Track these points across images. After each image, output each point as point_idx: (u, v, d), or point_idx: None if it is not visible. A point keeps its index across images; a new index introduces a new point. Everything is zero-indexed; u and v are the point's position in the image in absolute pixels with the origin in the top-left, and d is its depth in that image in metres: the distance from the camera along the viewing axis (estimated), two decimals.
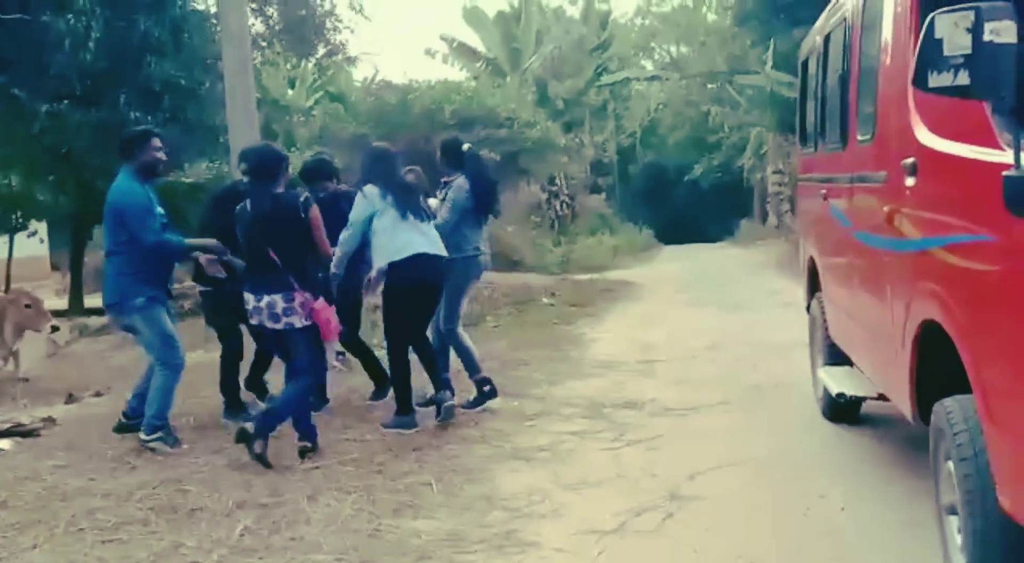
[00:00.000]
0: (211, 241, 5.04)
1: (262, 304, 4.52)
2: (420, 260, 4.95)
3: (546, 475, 4.26)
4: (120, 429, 5.11)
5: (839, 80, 4.36)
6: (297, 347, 4.63)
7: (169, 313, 5.02)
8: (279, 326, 4.55)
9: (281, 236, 4.49)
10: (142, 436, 4.84)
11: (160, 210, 4.94)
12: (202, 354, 7.59)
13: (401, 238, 4.95)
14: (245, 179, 4.91)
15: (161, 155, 4.92)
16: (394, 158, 5.31)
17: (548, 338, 8.44)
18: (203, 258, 5.03)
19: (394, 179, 5.13)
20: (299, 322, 4.52)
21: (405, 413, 5.06)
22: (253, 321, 4.66)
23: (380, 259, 5.01)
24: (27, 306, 6.99)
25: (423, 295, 5.07)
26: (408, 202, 5.05)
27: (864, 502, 3.68)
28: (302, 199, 4.58)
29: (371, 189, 5.06)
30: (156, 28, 11.53)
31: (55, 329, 7.26)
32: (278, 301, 4.49)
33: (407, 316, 5.07)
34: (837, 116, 4.40)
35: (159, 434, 4.85)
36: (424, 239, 5.01)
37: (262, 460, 4.39)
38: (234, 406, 5.48)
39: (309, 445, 4.60)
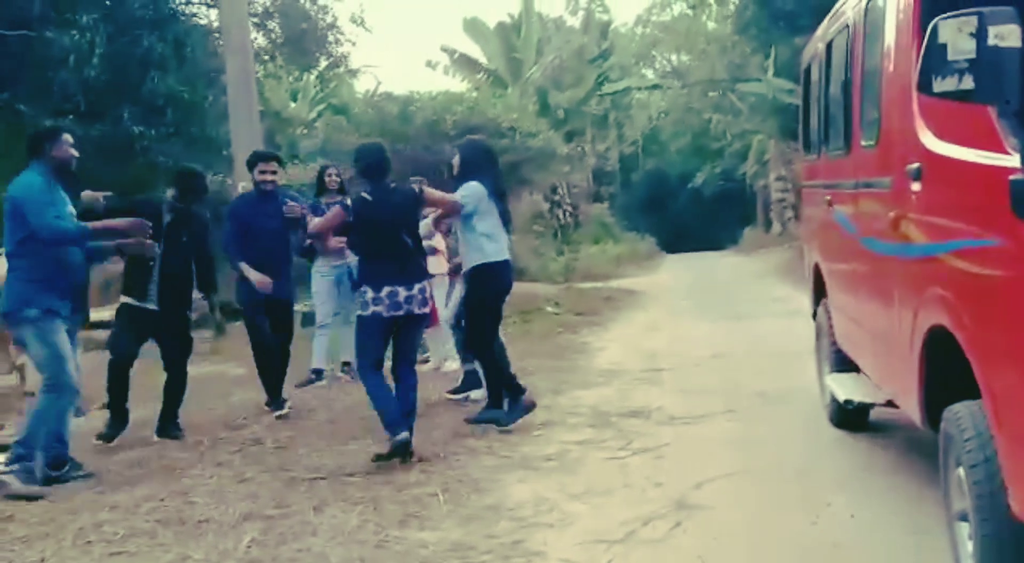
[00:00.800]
0: (124, 220, 4.77)
1: (414, 291, 4.63)
2: (509, 265, 5.25)
3: (553, 484, 4.24)
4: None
5: (842, 86, 4.36)
6: (419, 335, 5.06)
7: (71, 331, 4.66)
8: (426, 310, 4.80)
9: (411, 225, 4.75)
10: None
11: (72, 211, 4.59)
12: (209, 367, 7.60)
13: (501, 240, 5.18)
14: (242, 189, 5.01)
15: (73, 152, 4.62)
16: (497, 157, 5.59)
17: (553, 347, 8.43)
18: (124, 243, 4.83)
19: (501, 179, 5.39)
20: (427, 308, 4.80)
21: (496, 406, 5.27)
22: (399, 313, 4.61)
23: (476, 258, 5.12)
24: None
25: (503, 299, 5.32)
26: (504, 205, 5.29)
27: (873, 509, 3.66)
28: (417, 190, 4.87)
29: (478, 187, 5.11)
30: (159, 43, 11.61)
31: None
32: (427, 286, 4.75)
33: (494, 316, 5.27)
34: (840, 122, 4.40)
35: (16, 467, 4.30)
36: (506, 245, 5.30)
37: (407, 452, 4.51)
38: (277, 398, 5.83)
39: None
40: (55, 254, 4.47)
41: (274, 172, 6.00)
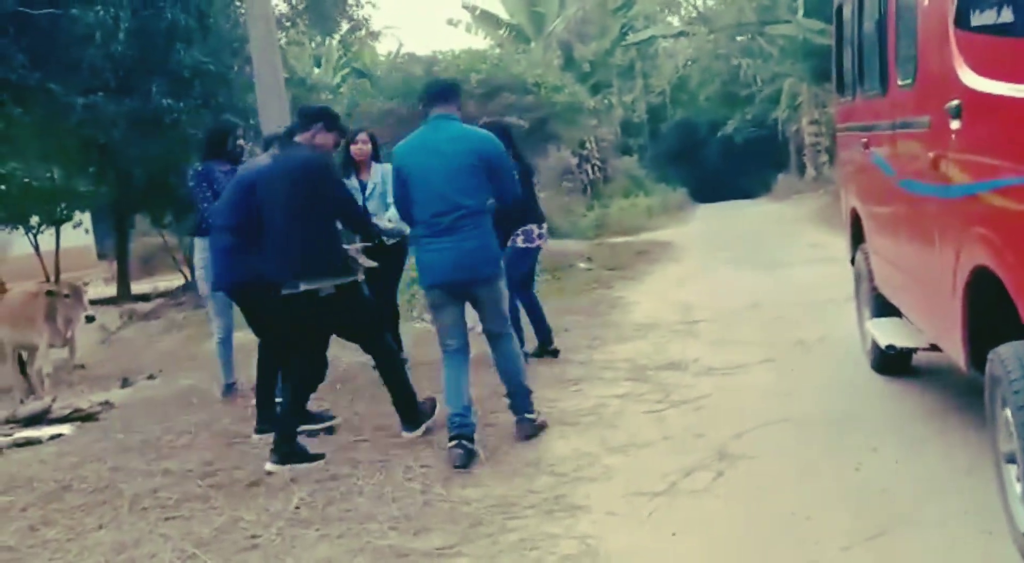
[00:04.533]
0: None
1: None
2: None
3: (593, 439, 4.28)
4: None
5: (876, 24, 4.23)
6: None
7: None
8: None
9: None
10: None
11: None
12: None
13: None
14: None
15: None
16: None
17: (587, 303, 8.43)
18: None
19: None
20: None
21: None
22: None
23: None
24: (66, 296, 7.18)
25: None
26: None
27: (918, 454, 3.63)
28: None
29: None
30: (183, 16, 11.60)
31: (90, 319, 7.44)
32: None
33: None
34: (876, 62, 4.27)
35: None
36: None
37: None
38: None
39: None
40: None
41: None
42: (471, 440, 4.10)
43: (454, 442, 4.06)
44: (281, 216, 4.26)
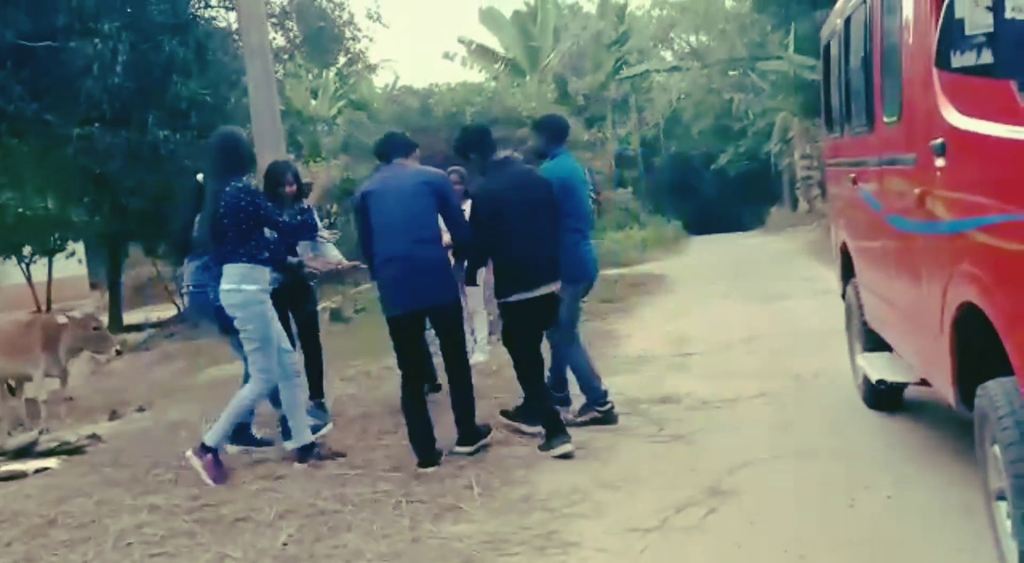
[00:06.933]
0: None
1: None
2: None
3: (585, 473, 4.25)
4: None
5: (862, 62, 4.29)
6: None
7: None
8: None
9: None
10: None
11: None
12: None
13: None
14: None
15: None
16: None
17: (581, 336, 8.39)
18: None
19: None
20: None
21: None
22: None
23: None
24: (95, 328, 7.17)
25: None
26: None
27: (911, 490, 3.62)
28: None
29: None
30: (181, 48, 11.73)
31: (119, 353, 7.42)
32: None
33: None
34: (862, 99, 4.34)
35: None
36: None
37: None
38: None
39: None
40: None
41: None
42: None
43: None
44: (524, 227, 4.62)
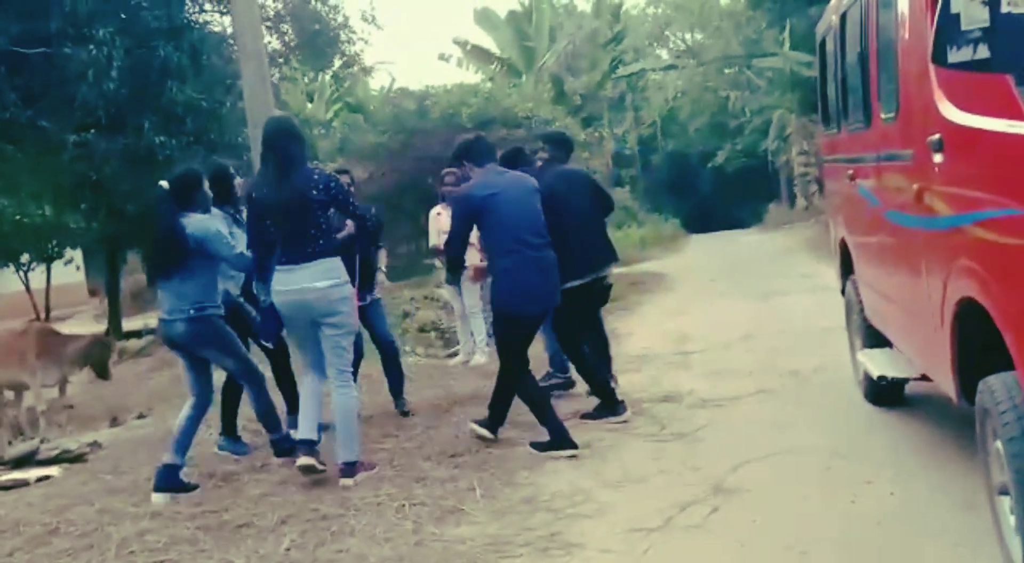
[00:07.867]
0: None
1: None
2: None
3: (587, 474, 4.25)
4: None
5: (858, 59, 4.29)
6: None
7: None
8: None
9: None
10: None
11: None
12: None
13: None
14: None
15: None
16: None
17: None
18: None
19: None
20: None
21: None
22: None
23: None
24: (105, 336, 7.28)
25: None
26: None
27: (913, 486, 3.61)
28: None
29: None
30: (175, 53, 11.71)
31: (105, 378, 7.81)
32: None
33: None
34: (859, 95, 4.33)
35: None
36: None
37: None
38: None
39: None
40: None
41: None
42: None
43: None
44: (579, 219, 5.22)
